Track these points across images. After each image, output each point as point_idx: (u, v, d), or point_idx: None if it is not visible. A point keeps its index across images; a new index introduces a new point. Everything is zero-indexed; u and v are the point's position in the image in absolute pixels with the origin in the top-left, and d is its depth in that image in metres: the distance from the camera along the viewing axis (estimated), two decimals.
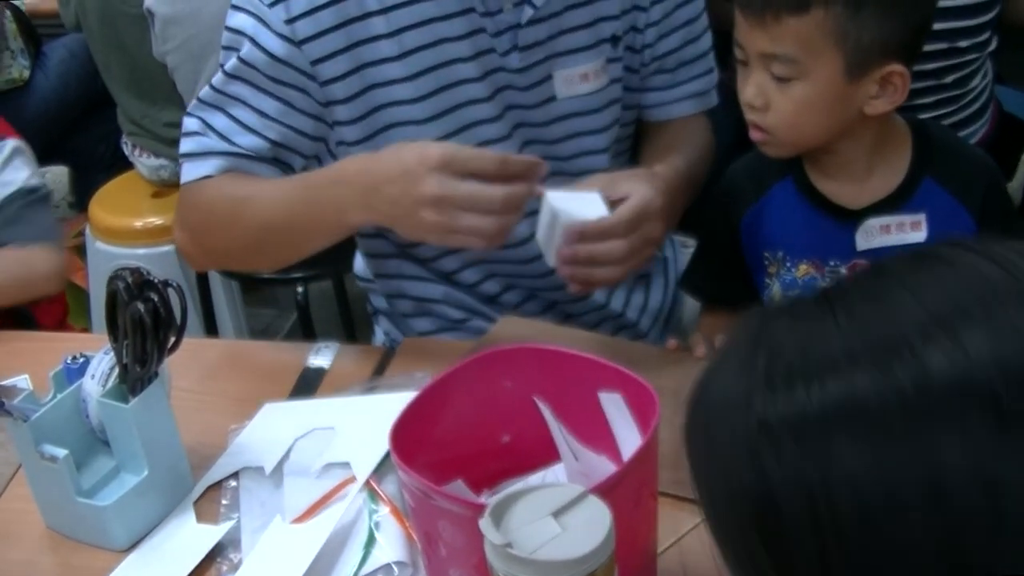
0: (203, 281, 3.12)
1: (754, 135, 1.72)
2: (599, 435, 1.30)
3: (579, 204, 1.57)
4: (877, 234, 1.76)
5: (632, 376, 1.26)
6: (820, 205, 1.79)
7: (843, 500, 0.67)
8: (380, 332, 2.07)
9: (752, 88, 1.68)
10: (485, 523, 1.03)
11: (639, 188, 1.61)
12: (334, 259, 2.11)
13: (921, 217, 1.76)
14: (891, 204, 1.77)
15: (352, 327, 3.09)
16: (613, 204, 1.59)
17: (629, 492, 1.17)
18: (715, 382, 0.77)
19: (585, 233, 1.55)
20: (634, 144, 2.00)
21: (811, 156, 1.79)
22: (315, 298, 3.19)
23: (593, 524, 1.04)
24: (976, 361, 0.66)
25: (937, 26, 2.34)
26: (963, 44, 2.46)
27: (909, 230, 1.76)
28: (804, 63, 1.62)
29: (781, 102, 1.66)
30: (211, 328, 3.16)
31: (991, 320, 0.68)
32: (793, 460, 0.69)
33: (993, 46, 2.56)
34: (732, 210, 1.86)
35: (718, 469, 0.75)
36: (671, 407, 1.54)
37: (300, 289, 3.00)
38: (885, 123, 1.75)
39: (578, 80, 1.83)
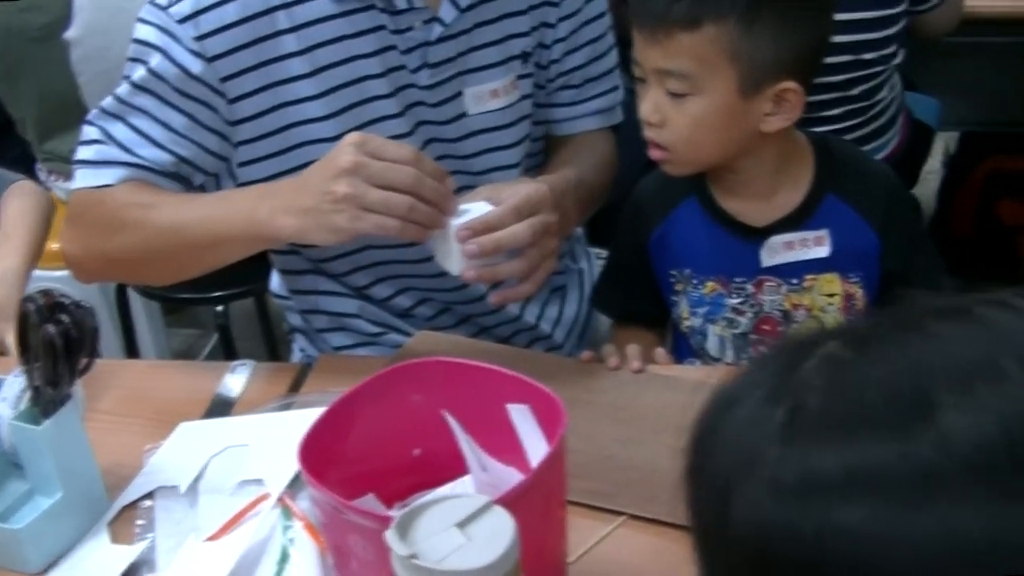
0: (123, 302, 3.10)
1: (653, 153, 1.74)
2: (508, 447, 1.31)
3: (468, 211, 1.58)
4: (781, 251, 1.79)
5: (539, 387, 1.27)
6: (725, 223, 1.81)
7: (841, 563, 0.65)
8: (297, 349, 2.07)
9: (649, 105, 1.70)
10: (391, 535, 1.04)
11: (524, 184, 1.64)
12: (254, 277, 2.11)
13: (824, 233, 1.79)
14: (794, 221, 1.79)
15: (274, 345, 3.09)
16: None
17: (536, 501, 1.18)
18: (730, 418, 0.74)
19: (476, 227, 1.55)
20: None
21: (715, 175, 1.81)
22: (238, 317, 3.19)
23: (498, 534, 1.05)
24: (997, 427, 0.64)
25: (841, 39, 2.40)
26: (868, 56, 2.52)
27: (812, 246, 1.79)
28: (698, 79, 1.64)
29: (677, 118, 1.68)
30: (132, 349, 3.14)
31: (1017, 382, 0.66)
32: (798, 519, 0.67)
33: (899, 59, 2.60)
34: (640, 228, 1.88)
35: (718, 509, 0.72)
36: (583, 417, 1.58)
37: (220, 308, 2.99)
38: (787, 140, 1.78)
39: (488, 96, 1.85)
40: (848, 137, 2.54)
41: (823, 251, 1.79)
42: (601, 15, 1.94)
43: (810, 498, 0.66)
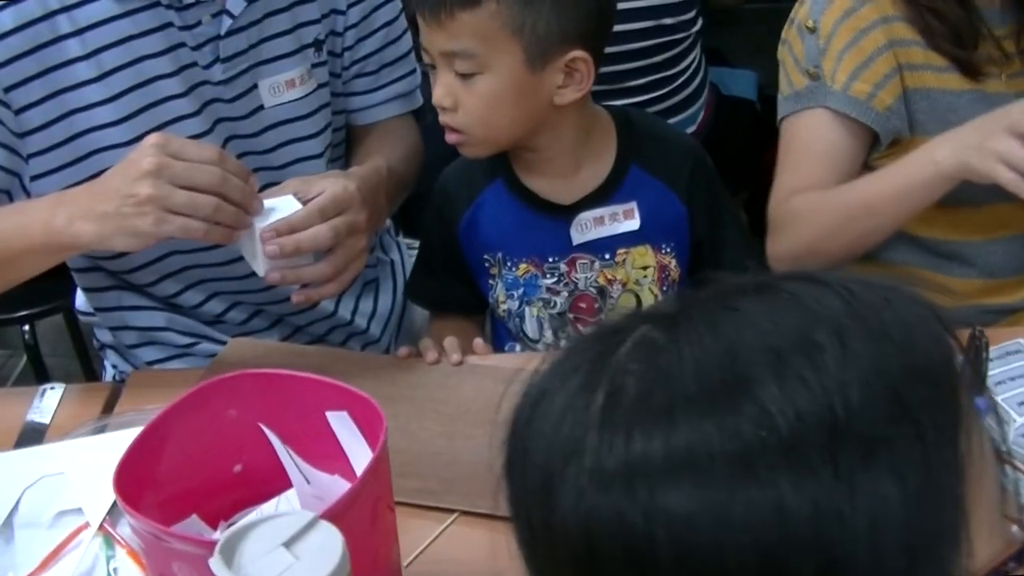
0: None
1: (450, 137, 1.73)
2: (331, 455, 1.28)
3: (274, 210, 1.55)
4: (592, 227, 1.79)
5: (357, 393, 1.25)
6: (532, 203, 1.81)
7: (670, 547, 0.64)
8: (109, 366, 2.01)
9: (440, 89, 1.69)
10: (215, 562, 1.00)
11: (332, 182, 1.61)
12: (61, 292, 2.05)
13: (632, 205, 1.80)
14: (601, 196, 1.80)
15: (89, 362, 3.00)
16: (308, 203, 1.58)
17: (364, 510, 1.16)
18: (545, 409, 0.72)
19: (280, 228, 1.53)
20: (347, 149, 1.99)
21: (517, 155, 1.80)
22: (48, 333, 3.10)
23: (326, 549, 1.02)
24: (817, 400, 0.64)
25: (640, 3, 2.41)
26: (669, 22, 2.51)
27: (622, 219, 1.80)
28: (484, 57, 1.64)
29: (468, 99, 1.67)
30: None
31: (835, 355, 0.65)
32: (623, 506, 0.65)
33: (699, 25, 2.61)
34: (448, 215, 1.87)
35: (540, 502, 0.70)
36: (406, 414, 1.56)
37: (27, 328, 2.89)
38: (585, 114, 1.78)
39: (284, 87, 1.81)
40: (654, 109, 2.54)
41: (633, 224, 1.80)
42: None
43: (634, 484, 0.65)
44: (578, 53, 1.66)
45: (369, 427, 1.24)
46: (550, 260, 1.82)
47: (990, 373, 1.63)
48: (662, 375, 0.68)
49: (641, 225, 1.80)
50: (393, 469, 1.23)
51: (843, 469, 0.63)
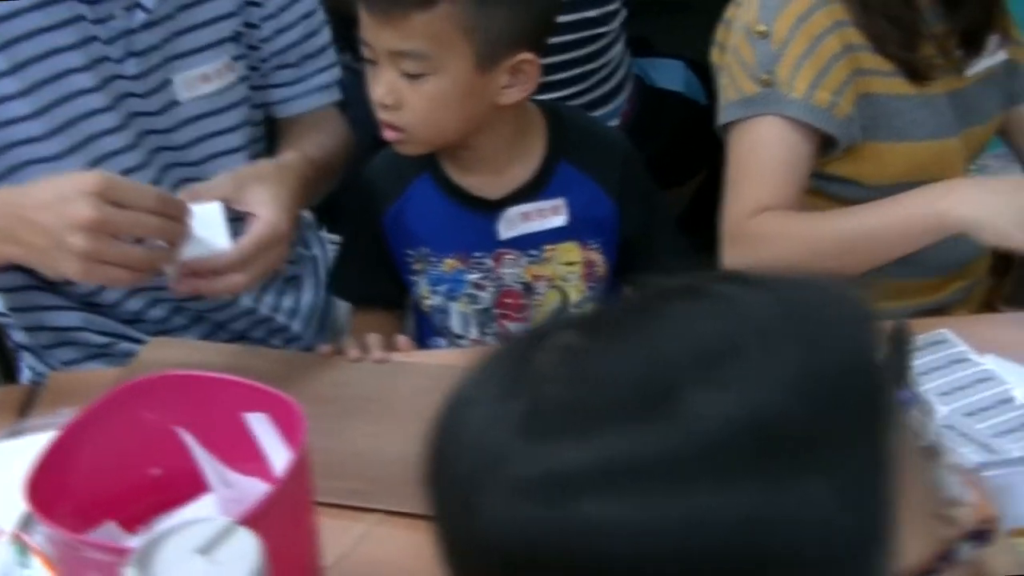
0: None
1: (388, 135, 1.70)
2: (252, 458, 1.26)
3: (200, 224, 1.52)
4: (519, 222, 1.78)
5: (275, 394, 1.22)
6: (460, 198, 1.79)
7: (593, 557, 0.63)
8: (25, 368, 1.97)
9: (382, 87, 1.66)
10: (130, 571, 0.98)
11: (266, 211, 1.58)
12: None
13: (560, 202, 1.79)
14: (530, 191, 1.79)
15: (8, 362, 2.94)
16: (238, 217, 1.55)
17: (284, 513, 1.14)
18: (466, 418, 0.70)
19: (199, 271, 1.52)
20: (269, 144, 1.96)
21: (449, 152, 1.78)
22: None
23: (243, 556, 1.00)
24: (741, 405, 0.63)
25: None
26: (592, 14, 2.47)
27: (549, 215, 1.79)
28: (435, 58, 1.62)
29: (414, 99, 1.65)
30: None
31: (760, 358, 0.64)
32: (548, 517, 0.64)
33: (623, 17, 2.59)
34: (373, 208, 1.84)
35: (463, 515, 0.68)
36: (331, 414, 1.54)
37: None
38: (520, 112, 1.77)
39: (199, 81, 1.78)
40: (577, 102, 2.51)
41: (560, 220, 1.79)
42: None
43: (558, 494, 0.63)
44: (526, 55, 1.66)
45: (289, 428, 1.21)
46: (476, 255, 1.80)
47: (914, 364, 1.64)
48: (585, 382, 0.66)
49: (569, 221, 1.79)
50: (317, 470, 1.21)
51: (768, 474, 0.62)
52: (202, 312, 1.89)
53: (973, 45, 1.88)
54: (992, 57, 1.91)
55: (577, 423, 0.65)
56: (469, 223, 1.79)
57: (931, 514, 0.69)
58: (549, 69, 2.43)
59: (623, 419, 0.64)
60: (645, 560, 0.62)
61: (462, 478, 0.68)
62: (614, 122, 2.63)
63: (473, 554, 0.69)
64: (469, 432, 0.69)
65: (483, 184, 1.79)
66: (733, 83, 1.83)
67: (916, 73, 1.82)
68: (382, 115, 1.68)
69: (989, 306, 2.10)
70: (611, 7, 2.51)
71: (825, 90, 1.76)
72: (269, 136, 1.97)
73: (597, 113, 2.58)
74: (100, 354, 1.87)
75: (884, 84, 1.82)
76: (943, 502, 0.72)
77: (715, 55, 1.92)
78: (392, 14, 1.60)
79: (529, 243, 1.79)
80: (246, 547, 1.00)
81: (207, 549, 1.00)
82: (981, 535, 0.71)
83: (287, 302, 1.99)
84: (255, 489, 1.24)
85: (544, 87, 2.43)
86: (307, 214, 2.08)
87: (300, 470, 1.16)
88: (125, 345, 1.85)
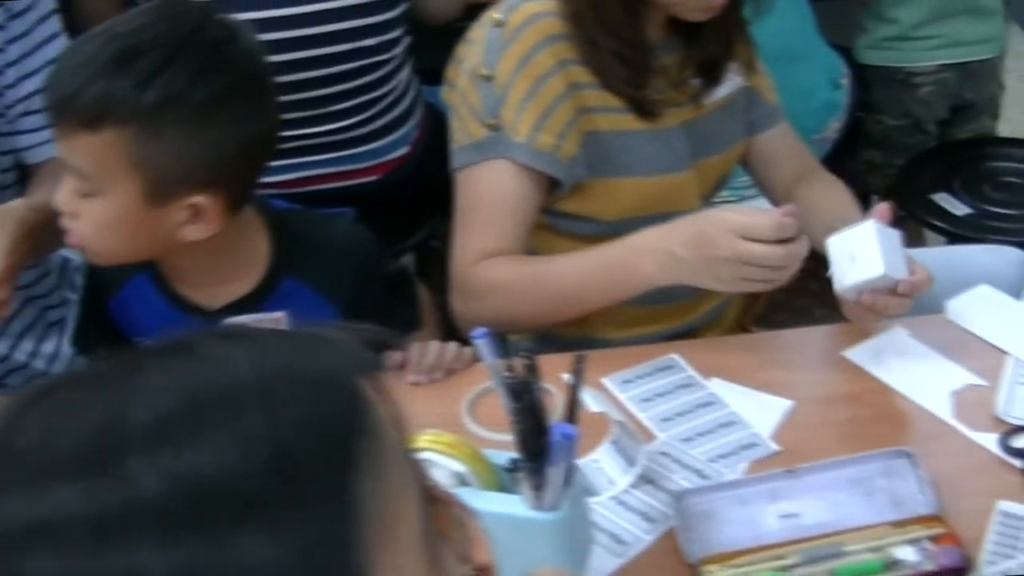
0: None
1: (69, 240, 1.63)
2: None
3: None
4: None
5: None
6: (177, 304, 1.74)
7: None
8: None
9: (61, 195, 1.59)
10: None
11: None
12: None
13: (282, 315, 1.72)
14: (250, 303, 1.72)
15: None
16: None
17: None
18: None
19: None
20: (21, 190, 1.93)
21: (158, 260, 1.72)
22: None
23: None
24: (187, 467, 0.63)
25: (339, 26, 2.36)
26: (370, 43, 2.45)
27: (271, 327, 1.75)
28: (99, 181, 1.54)
29: (85, 214, 1.58)
30: None
31: (218, 420, 0.64)
32: None
33: (406, 44, 2.56)
34: (99, 292, 1.79)
35: None
36: None
37: None
38: (229, 233, 1.66)
39: None
40: (362, 131, 2.51)
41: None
42: (54, 36, 1.88)
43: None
44: (201, 199, 1.56)
45: None
46: None
47: (639, 390, 1.69)
48: (45, 438, 0.66)
49: None
50: None
51: (209, 534, 0.63)
52: None
53: (711, 75, 1.89)
54: (730, 84, 1.92)
55: (23, 478, 0.65)
56: (189, 327, 1.73)
57: (430, 559, 0.70)
58: (326, 100, 2.43)
59: (66, 477, 0.64)
60: None
61: None
62: (404, 148, 2.62)
63: None
64: None
65: (200, 294, 1.74)
66: (463, 127, 1.83)
67: (644, 109, 1.83)
68: (63, 220, 1.62)
69: (741, 327, 2.13)
70: (391, 35, 2.49)
71: (548, 133, 1.77)
72: (22, 181, 1.94)
73: (386, 140, 2.57)
74: None
75: (611, 121, 1.83)
76: (467, 546, 0.75)
77: (445, 93, 1.91)
78: (63, 127, 1.54)
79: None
80: None
81: None
82: None
83: (47, 347, 1.96)
84: None
85: (323, 118, 2.44)
86: (75, 256, 2.03)
87: None
88: None
